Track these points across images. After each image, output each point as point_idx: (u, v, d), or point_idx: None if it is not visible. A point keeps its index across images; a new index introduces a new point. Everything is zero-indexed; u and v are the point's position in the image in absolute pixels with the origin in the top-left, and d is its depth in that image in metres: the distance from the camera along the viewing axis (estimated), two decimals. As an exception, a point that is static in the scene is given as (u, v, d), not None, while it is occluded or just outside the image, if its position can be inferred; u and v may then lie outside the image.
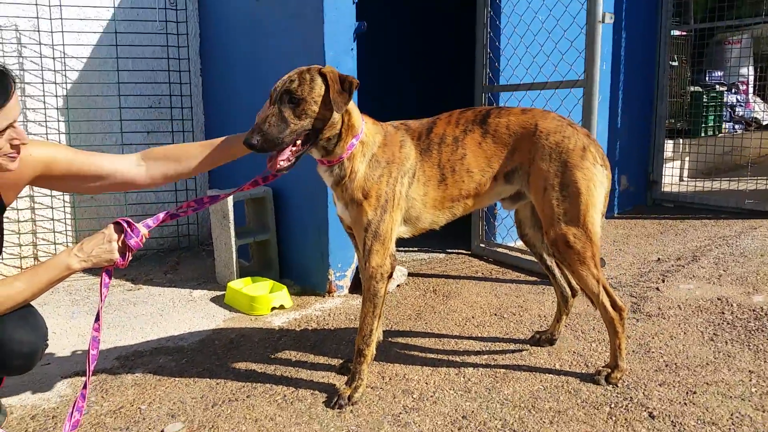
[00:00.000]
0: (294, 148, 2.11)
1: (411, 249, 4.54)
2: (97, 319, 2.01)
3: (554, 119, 2.37)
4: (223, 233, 3.73)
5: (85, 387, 1.98)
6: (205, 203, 2.21)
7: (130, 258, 2.04)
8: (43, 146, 2.08)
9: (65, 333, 3.16)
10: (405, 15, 6.46)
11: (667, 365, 2.55)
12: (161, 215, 2.11)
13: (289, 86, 2.07)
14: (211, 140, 2.26)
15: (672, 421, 2.14)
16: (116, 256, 1.98)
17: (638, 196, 5.66)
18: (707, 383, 2.39)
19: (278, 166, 2.09)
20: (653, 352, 2.68)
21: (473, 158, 2.35)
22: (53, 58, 4.25)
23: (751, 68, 7.59)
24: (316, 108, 2.08)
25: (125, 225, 1.99)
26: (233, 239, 3.68)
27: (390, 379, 2.53)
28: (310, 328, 3.12)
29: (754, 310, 3.06)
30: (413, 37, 6.61)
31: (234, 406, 2.36)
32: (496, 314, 3.21)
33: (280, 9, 3.66)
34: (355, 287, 3.58)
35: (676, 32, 6.30)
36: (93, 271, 3.03)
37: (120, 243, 1.99)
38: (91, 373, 1.97)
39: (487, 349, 2.79)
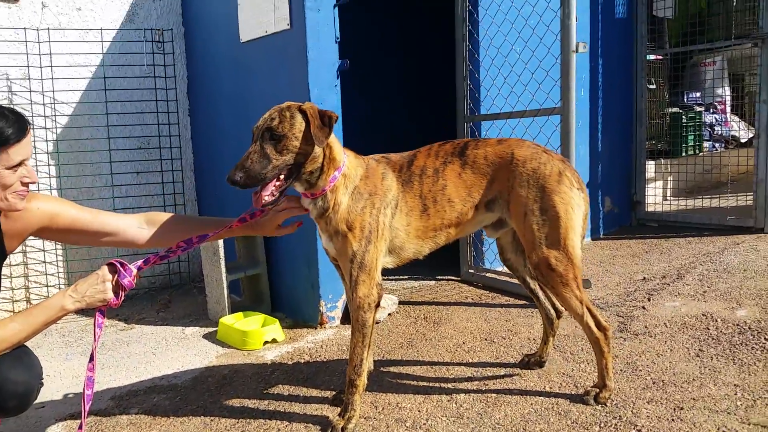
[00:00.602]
0: (278, 183, 2.17)
1: (401, 277, 4.58)
2: (92, 359, 2.03)
3: (529, 147, 2.45)
4: (214, 269, 3.76)
5: (80, 428, 1.99)
6: (194, 243, 2.25)
7: (123, 297, 2.07)
8: (50, 201, 2.19)
9: (59, 375, 3.16)
10: (392, 47, 6.60)
11: (654, 383, 2.59)
12: (151, 257, 2.15)
13: (270, 124, 2.14)
14: (216, 218, 2.37)
15: (660, 438, 2.17)
16: (110, 295, 2.02)
17: (623, 217, 5.74)
18: (694, 399, 2.42)
19: (263, 201, 2.15)
20: (641, 370, 2.72)
21: (454, 189, 2.42)
22: (43, 104, 4.32)
23: (727, 88, 7.76)
24: (297, 143, 2.15)
25: (118, 265, 2.03)
26: (224, 275, 3.71)
27: (383, 408, 2.55)
28: (302, 360, 3.14)
29: (738, 325, 3.11)
30: (401, 70, 6.74)
31: (228, 441, 2.37)
32: (486, 339, 3.24)
33: (264, 50, 3.75)
34: (347, 318, 3.61)
35: (652, 57, 6.46)
36: (85, 312, 3.05)
37: (114, 283, 2.02)
38: (86, 413, 1.99)
39: (478, 374, 2.82)
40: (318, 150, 2.21)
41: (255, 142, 2.15)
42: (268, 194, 2.16)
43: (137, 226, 2.28)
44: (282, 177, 2.18)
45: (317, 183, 2.27)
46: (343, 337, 3.40)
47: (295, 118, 2.17)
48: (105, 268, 2.04)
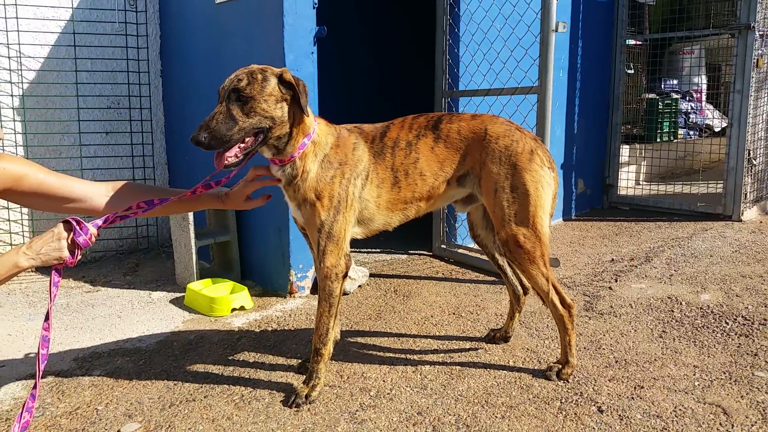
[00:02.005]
0: (243, 146, 2.12)
1: (373, 250, 4.58)
2: (47, 318, 1.99)
3: (503, 124, 2.45)
4: (182, 235, 3.72)
5: (35, 387, 1.97)
6: (155, 204, 2.20)
7: (80, 256, 2.03)
8: (16, 162, 2.12)
9: (21, 335, 3.11)
10: (366, 20, 6.52)
11: (617, 361, 2.64)
12: (110, 216, 2.11)
13: (237, 84, 2.09)
14: (180, 190, 2.31)
15: (619, 415, 2.21)
16: (65, 253, 1.97)
17: (595, 199, 5.81)
18: (654, 378, 2.48)
19: (225, 162, 2.10)
20: (604, 348, 2.77)
21: (426, 162, 2.41)
22: (9, 57, 4.18)
23: (703, 77, 7.84)
24: (265, 106, 2.11)
25: (74, 223, 1.98)
26: (193, 240, 3.67)
27: (348, 377, 2.56)
28: (270, 329, 3.14)
29: (701, 308, 3.18)
30: (374, 41, 6.67)
31: (191, 406, 2.36)
32: (454, 313, 3.27)
33: (240, 12, 3.67)
34: (316, 288, 3.60)
35: (632, 42, 6.49)
36: (48, 271, 2.96)
37: (69, 241, 1.98)
38: (41, 372, 1.96)
39: (444, 347, 2.85)
40: (286, 115, 2.17)
41: (221, 103, 2.10)
42: (232, 155, 2.11)
43: (104, 194, 2.22)
44: (248, 140, 2.14)
45: (285, 149, 2.23)
46: (312, 307, 3.40)
47: (268, 82, 2.12)
48: (61, 226, 1.99)
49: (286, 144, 2.22)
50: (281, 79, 2.15)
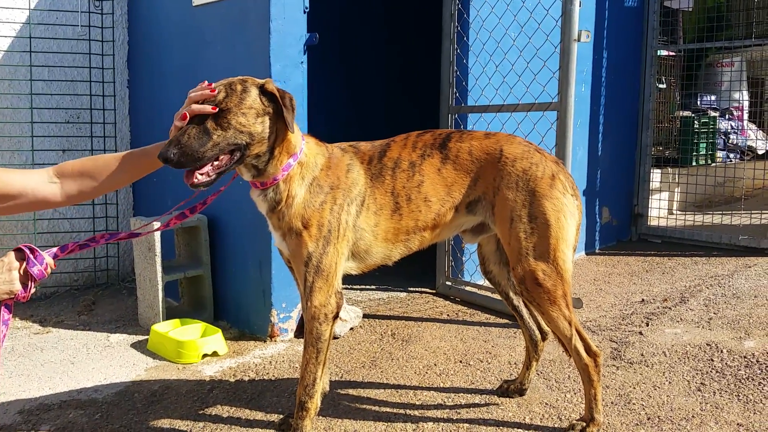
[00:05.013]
0: (217, 163, 2.13)
1: (368, 287, 4.58)
2: (-7, 362, 1.97)
3: (520, 144, 2.47)
4: (147, 268, 3.71)
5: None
6: (120, 237, 2.20)
7: (34, 290, 2.01)
8: None
9: (-44, 384, 3.09)
10: (362, 26, 6.61)
11: (649, 418, 2.62)
12: (69, 245, 2.10)
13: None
14: (129, 151, 2.26)
15: (652, 481, 2.20)
16: (17, 286, 1.95)
17: (622, 231, 5.83)
18: (692, 438, 2.47)
19: (195, 180, 2.10)
20: (634, 403, 2.75)
21: (431, 186, 2.42)
22: (-46, 64, 4.23)
23: (745, 93, 7.93)
24: (243, 120, 2.12)
25: (28, 252, 1.97)
26: (160, 275, 3.66)
27: (337, 436, 2.55)
28: (247, 378, 3.12)
29: (745, 357, 3.17)
30: (371, 49, 6.75)
31: (154, 468, 2.34)
32: (461, 361, 3.26)
33: (220, 16, 3.72)
34: (302, 331, 3.59)
35: (664, 52, 6.58)
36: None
37: (21, 272, 1.96)
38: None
39: (450, 401, 2.83)
40: (267, 130, 2.18)
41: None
42: (203, 173, 2.11)
43: (48, 182, 2.15)
44: (223, 158, 2.14)
45: (266, 170, 2.24)
46: (296, 353, 3.39)
47: (248, 93, 2.14)
48: (11, 255, 1.98)
49: (267, 164, 2.23)
50: (263, 90, 2.17)
